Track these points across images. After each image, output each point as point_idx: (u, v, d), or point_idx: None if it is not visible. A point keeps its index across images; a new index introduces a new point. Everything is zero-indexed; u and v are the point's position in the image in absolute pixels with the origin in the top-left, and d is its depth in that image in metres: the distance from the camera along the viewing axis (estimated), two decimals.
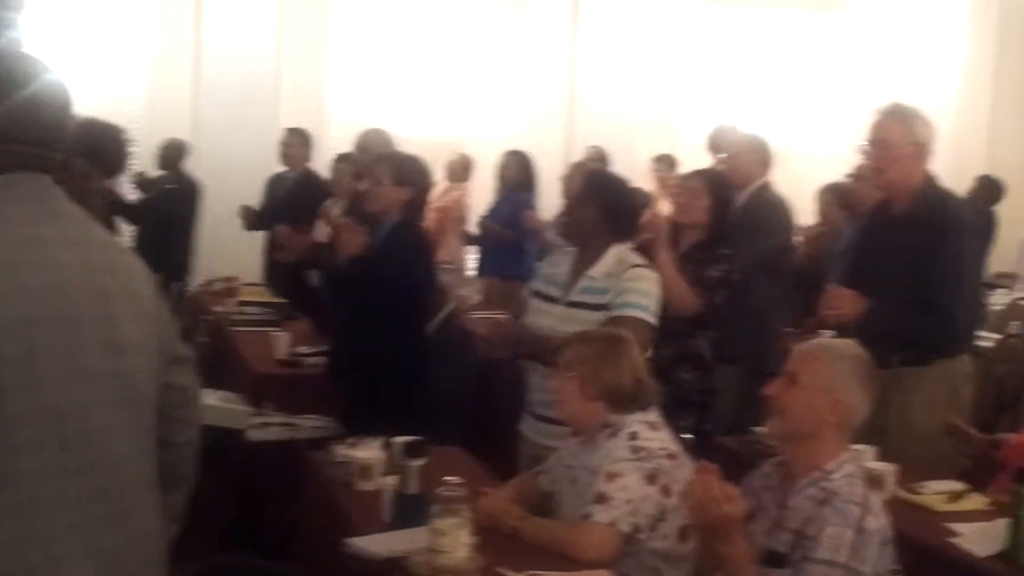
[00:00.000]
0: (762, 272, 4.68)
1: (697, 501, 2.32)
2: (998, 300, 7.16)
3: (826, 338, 2.87)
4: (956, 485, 3.25)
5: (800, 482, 2.49)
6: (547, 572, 2.51)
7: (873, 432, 3.33)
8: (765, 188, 5.00)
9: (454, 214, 7.63)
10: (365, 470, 3.10)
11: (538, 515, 2.85)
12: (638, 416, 2.85)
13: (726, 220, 4.26)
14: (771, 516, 2.52)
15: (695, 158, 6.75)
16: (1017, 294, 7.30)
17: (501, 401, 4.60)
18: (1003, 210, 8.23)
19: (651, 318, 3.43)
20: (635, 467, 2.72)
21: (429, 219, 7.81)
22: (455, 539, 2.42)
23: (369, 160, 4.86)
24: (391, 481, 2.93)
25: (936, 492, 3.19)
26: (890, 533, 2.43)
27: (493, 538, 2.65)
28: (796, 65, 9.12)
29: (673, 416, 3.49)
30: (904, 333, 3.65)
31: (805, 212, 5.90)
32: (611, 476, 2.71)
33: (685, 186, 4.34)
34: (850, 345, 2.68)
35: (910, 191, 3.77)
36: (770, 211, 4.95)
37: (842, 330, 3.74)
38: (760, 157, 5.04)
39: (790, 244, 5.08)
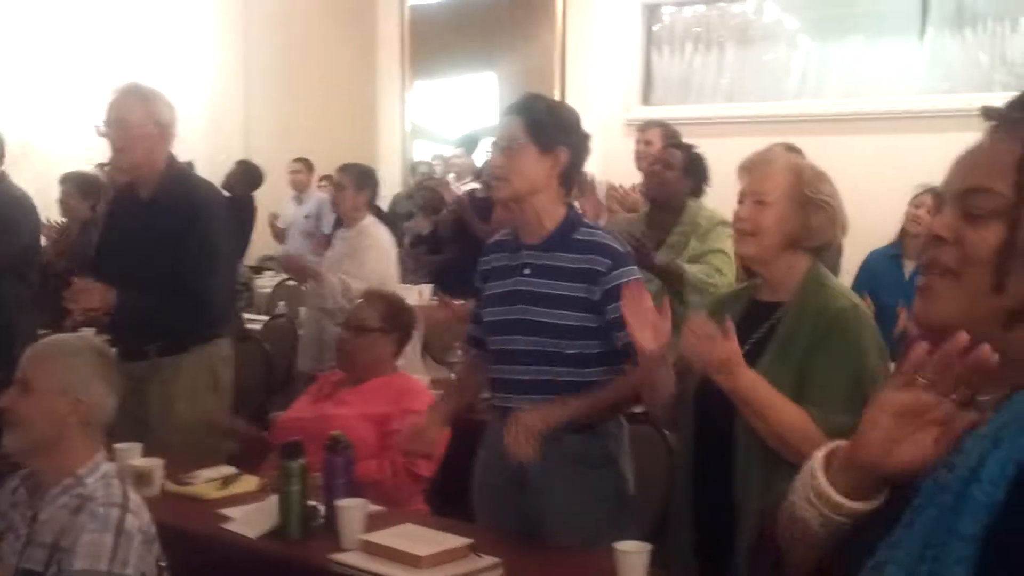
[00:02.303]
0: (12, 275, 4.41)
1: None
2: (265, 283, 7.48)
3: (57, 336, 2.74)
4: (227, 470, 3.30)
5: (51, 492, 2.35)
6: None
7: (137, 427, 3.28)
8: (2, 181, 4.69)
9: None
10: None
11: None
12: None
13: None
14: (22, 534, 2.35)
15: None
16: (284, 276, 7.67)
17: None
18: (260, 195, 8.62)
19: None
20: None
21: None
22: None
23: None
24: None
25: (207, 480, 3.22)
26: (154, 530, 2.39)
27: None
28: (52, 56, 8.68)
29: None
30: (158, 320, 3.64)
31: (52, 208, 5.68)
32: None
33: None
34: (84, 339, 2.59)
35: (155, 174, 3.76)
36: (13, 208, 4.66)
37: (98, 325, 3.64)
38: None
39: (37, 242, 4.84)
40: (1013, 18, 6.47)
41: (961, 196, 1.23)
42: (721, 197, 4.42)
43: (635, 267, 3.03)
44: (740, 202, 2.69)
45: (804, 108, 7.05)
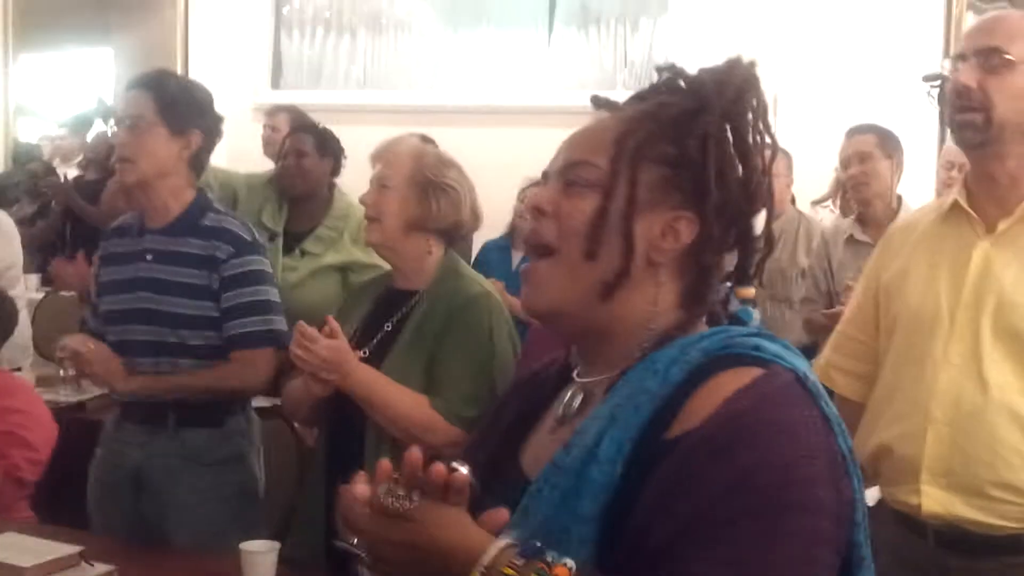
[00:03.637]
0: None
1: None
2: None
3: None
4: None
5: None
6: None
7: None
8: None
9: None
10: None
11: None
12: None
13: None
14: None
15: None
16: None
17: None
18: None
19: None
20: None
21: None
22: None
23: None
24: None
25: None
26: None
27: None
28: None
29: None
30: None
31: None
32: None
33: None
34: None
35: None
36: None
37: None
38: None
39: None
40: (633, 20, 6.87)
41: (563, 170, 1.31)
42: (356, 185, 4.43)
43: (259, 256, 2.96)
44: None
45: (437, 99, 7.18)
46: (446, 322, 2.63)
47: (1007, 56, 2.07)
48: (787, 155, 4.99)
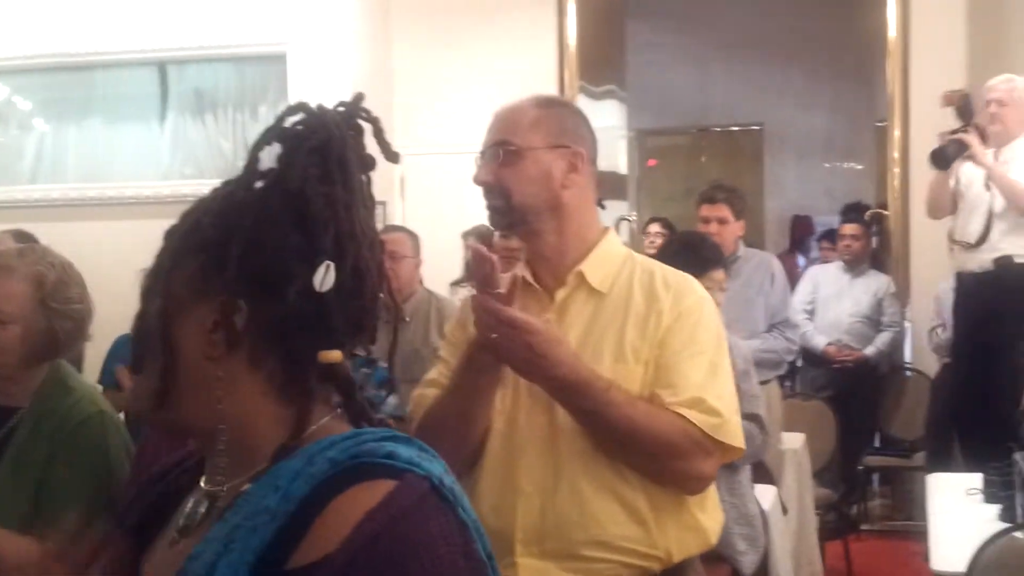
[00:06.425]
0: None
1: None
2: None
3: None
4: None
5: None
6: None
7: None
8: None
9: None
10: None
11: None
12: None
13: None
14: None
15: None
16: None
17: None
18: None
19: None
20: None
21: None
22: None
23: None
24: None
25: None
26: None
27: None
28: None
29: None
30: None
31: None
32: None
33: None
34: None
35: None
36: None
37: None
38: None
39: None
40: (252, 107, 6.85)
41: None
42: None
43: None
44: None
45: (41, 193, 6.88)
46: (54, 447, 2.44)
47: (513, 147, 2.25)
48: (414, 236, 5.09)
